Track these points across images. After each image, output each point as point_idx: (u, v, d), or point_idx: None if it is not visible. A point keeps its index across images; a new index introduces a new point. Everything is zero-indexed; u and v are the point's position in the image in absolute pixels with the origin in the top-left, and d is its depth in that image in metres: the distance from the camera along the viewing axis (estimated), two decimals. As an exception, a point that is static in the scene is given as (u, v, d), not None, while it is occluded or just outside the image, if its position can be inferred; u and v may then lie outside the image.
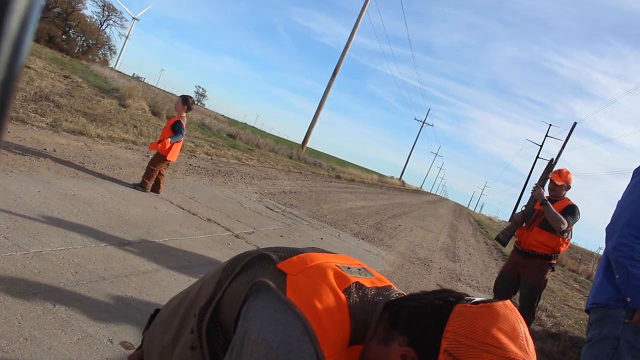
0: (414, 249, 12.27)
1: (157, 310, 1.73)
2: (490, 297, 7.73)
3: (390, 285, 1.38)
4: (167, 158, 7.74)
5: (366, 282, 1.31)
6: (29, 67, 16.45)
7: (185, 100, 8.05)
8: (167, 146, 7.70)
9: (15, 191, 5.38)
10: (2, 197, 5.03)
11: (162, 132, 7.94)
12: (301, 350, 1.10)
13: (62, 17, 58.14)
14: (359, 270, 1.37)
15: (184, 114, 8.04)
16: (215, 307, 1.36)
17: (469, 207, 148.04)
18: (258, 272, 1.33)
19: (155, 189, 7.74)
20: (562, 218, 5.41)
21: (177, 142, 7.83)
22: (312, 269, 1.28)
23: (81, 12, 59.86)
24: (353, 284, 1.27)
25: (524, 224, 5.82)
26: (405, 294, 1.33)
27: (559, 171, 5.75)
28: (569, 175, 5.73)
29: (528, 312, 5.72)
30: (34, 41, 39.06)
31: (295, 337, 1.11)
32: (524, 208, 5.83)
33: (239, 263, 1.42)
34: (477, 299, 1.13)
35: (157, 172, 7.67)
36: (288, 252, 1.39)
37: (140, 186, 7.54)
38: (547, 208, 5.46)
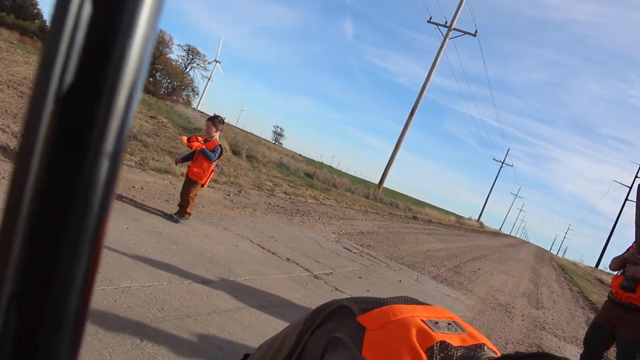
0: (495, 294, 11.85)
1: (247, 356, 1.71)
2: (579, 348, 7.32)
3: (483, 344, 1.25)
4: (204, 185, 7.48)
5: (454, 340, 1.20)
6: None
7: (215, 121, 7.61)
8: (207, 175, 7.39)
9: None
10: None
11: (198, 157, 7.41)
12: None
13: (149, 61, 61.57)
14: (449, 324, 1.26)
15: (216, 138, 7.56)
16: None
17: (551, 251, 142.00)
18: (337, 325, 1.26)
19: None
20: None
21: (211, 162, 7.38)
22: (393, 324, 1.19)
23: (167, 56, 63.20)
24: (437, 343, 1.17)
25: (621, 272, 5.46)
26: (499, 355, 1.23)
27: None
28: None
29: None
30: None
31: None
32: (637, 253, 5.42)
33: (320, 314, 1.36)
34: None
35: (195, 198, 7.38)
36: (370, 304, 1.31)
37: (181, 216, 7.17)
38: None
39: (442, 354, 1.14)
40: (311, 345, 1.30)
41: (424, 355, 1.12)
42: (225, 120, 7.98)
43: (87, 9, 0.23)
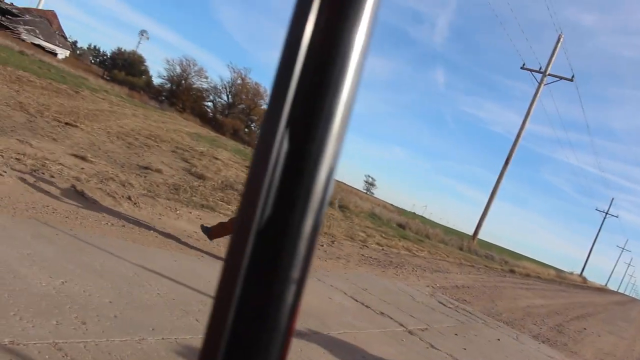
0: (605, 357, 11.07)
1: None
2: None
3: None
4: None
5: None
6: (217, 158, 18.09)
7: None
8: None
9: (203, 275, 5.81)
10: (190, 278, 5.46)
11: None
12: None
13: (245, 113, 64.50)
14: None
15: None
16: None
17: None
18: None
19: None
20: None
21: None
22: None
23: (262, 107, 65.68)
24: None
25: None
26: None
27: None
28: None
29: None
30: (222, 134, 43.17)
31: None
32: None
33: None
34: None
35: None
36: None
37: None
38: None
39: None
40: None
41: None
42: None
43: (285, 146, 0.26)
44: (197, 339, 4.06)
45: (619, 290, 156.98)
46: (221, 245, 7.52)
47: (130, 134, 14.89)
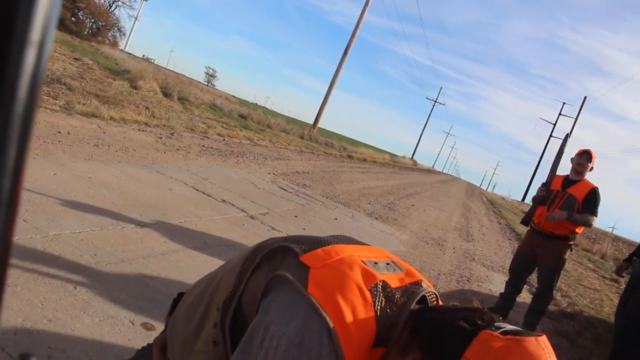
0: (428, 228, 12.27)
1: (181, 295, 1.68)
2: (505, 276, 7.74)
3: (421, 280, 1.29)
4: None
5: (393, 280, 1.23)
6: (40, 50, 16.34)
7: None
8: None
9: (31, 174, 5.39)
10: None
11: None
12: (321, 347, 1.04)
13: (70, 0, 58.45)
14: (387, 264, 1.29)
15: None
16: (238, 300, 1.31)
17: (481, 187, 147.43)
18: (279, 265, 1.26)
19: None
20: (590, 217, 5.36)
21: None
22: (336, 262, 1.20)
23: (90, -6, 59.83)
24: (380, 282, 1.19)
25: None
26: (434, 291, 1.27)
27: (588, 153, 5.55)
28: (595, 158, 5.58)
29: (547, 293, 5.72)
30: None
31: (316, 333, 1.04)
32: (542, 188, 5.73)
33: (259, 254, 1.34)
34: (507, 328, 1.03)
35: None
36: (311, 244, 1.31)
37: None
38: (573, 219, 5.38)
39: (385, 293, 1.17)
40: (252, 285, 1.29)
41: (368, 293, 1.14)
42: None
43: None
44: (24, 239, 3.82)
45: (444, 171, 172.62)
46: (49, 145, 6.99)
47: None
